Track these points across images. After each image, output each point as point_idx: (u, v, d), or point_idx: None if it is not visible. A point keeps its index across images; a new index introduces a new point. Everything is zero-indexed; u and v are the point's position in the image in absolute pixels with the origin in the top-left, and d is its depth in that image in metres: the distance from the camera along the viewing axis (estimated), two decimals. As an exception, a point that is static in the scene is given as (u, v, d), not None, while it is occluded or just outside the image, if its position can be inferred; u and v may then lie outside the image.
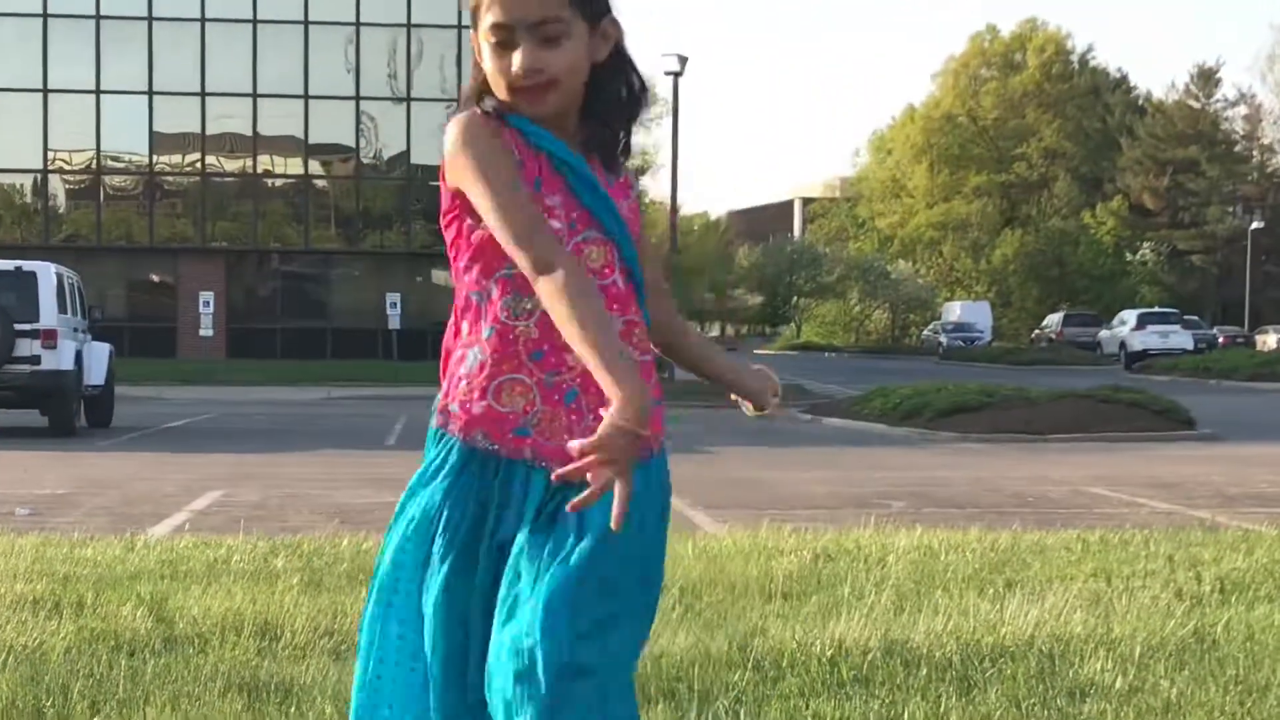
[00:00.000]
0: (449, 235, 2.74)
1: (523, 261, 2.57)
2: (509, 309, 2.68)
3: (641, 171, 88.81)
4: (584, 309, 2.52)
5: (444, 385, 2.79)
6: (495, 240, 2.62)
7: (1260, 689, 4.92)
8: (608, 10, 2.73)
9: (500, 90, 2.68)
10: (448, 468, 2.72)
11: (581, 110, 2.76)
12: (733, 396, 3.13)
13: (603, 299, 2.66)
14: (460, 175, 2.64)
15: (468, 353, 2.72)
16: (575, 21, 2.64)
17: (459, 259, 2.74)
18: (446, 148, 2.67)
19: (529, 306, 2.65)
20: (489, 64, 2.69)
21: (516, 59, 2.64)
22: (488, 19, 2.66)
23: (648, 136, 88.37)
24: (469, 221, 2.70)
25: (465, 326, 2.75)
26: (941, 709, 4.66)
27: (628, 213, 2.80)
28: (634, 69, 2.81)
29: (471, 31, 2.77)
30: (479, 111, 2.72)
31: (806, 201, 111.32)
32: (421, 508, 2.71)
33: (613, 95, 2.78)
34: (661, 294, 3.01)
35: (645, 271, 2.84)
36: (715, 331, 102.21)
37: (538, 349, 2.67)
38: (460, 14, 48.92)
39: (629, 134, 2.85)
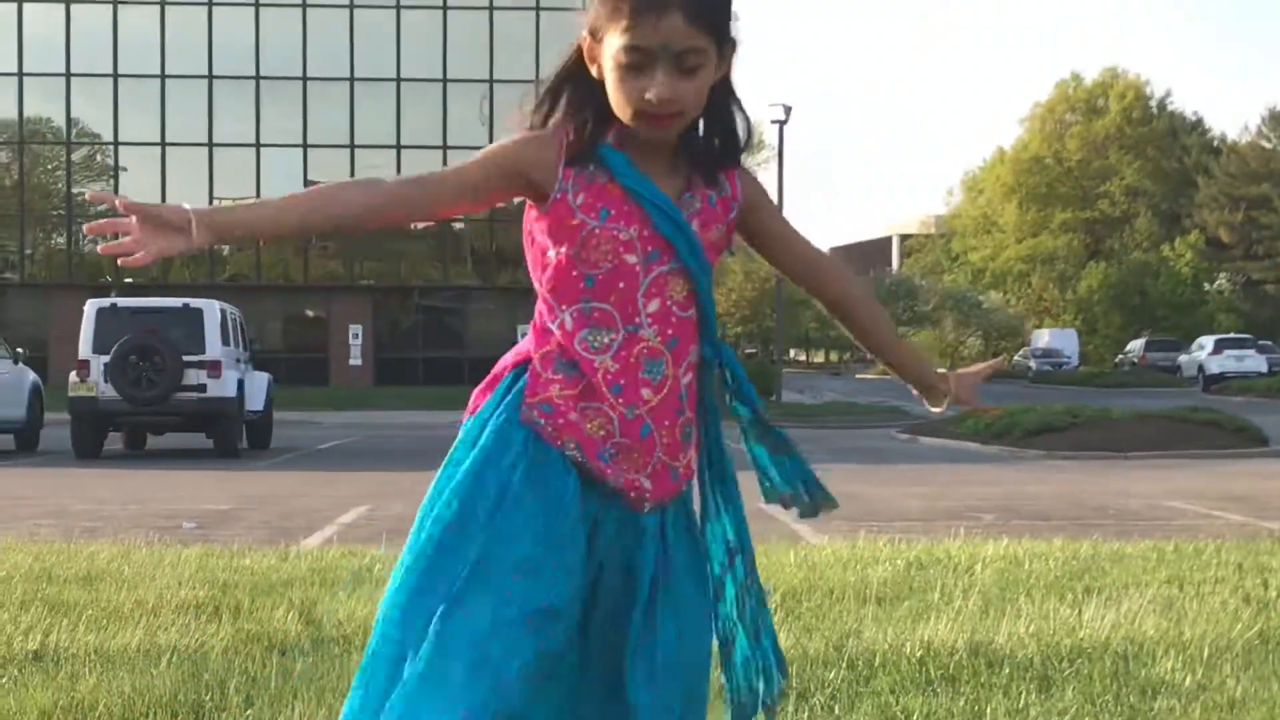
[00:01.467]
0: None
1: None
2: (586, 342, 2.58)
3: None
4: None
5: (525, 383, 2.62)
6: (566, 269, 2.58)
7: None
8: (732, 41, 2.57)
9: (625, 112, 2.52)
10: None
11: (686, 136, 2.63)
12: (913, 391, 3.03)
13: (323, 193, 2.60)
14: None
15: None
16: (710, 51, 2.50)
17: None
18: None
19: (606, 340, 2.57)
20: (616, 86, 2.51)
21: (655, 85, 2.46)
22: (622, 40, 2.47)
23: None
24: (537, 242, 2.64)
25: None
26: (1021, 704, 4.66)
27: (712, 245, 2.65)
28: (736, 96, 2.68)
29: (584, 44, 2.60)
30: (564, 131, 2.61)
31: (903, 238, 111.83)
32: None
33: (724, 121, 2.67)
34: (797, 239, 2.86)
35: (776, 226, 2.80)
36: (820, 358, 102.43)
37: (616, 382, 2.57)
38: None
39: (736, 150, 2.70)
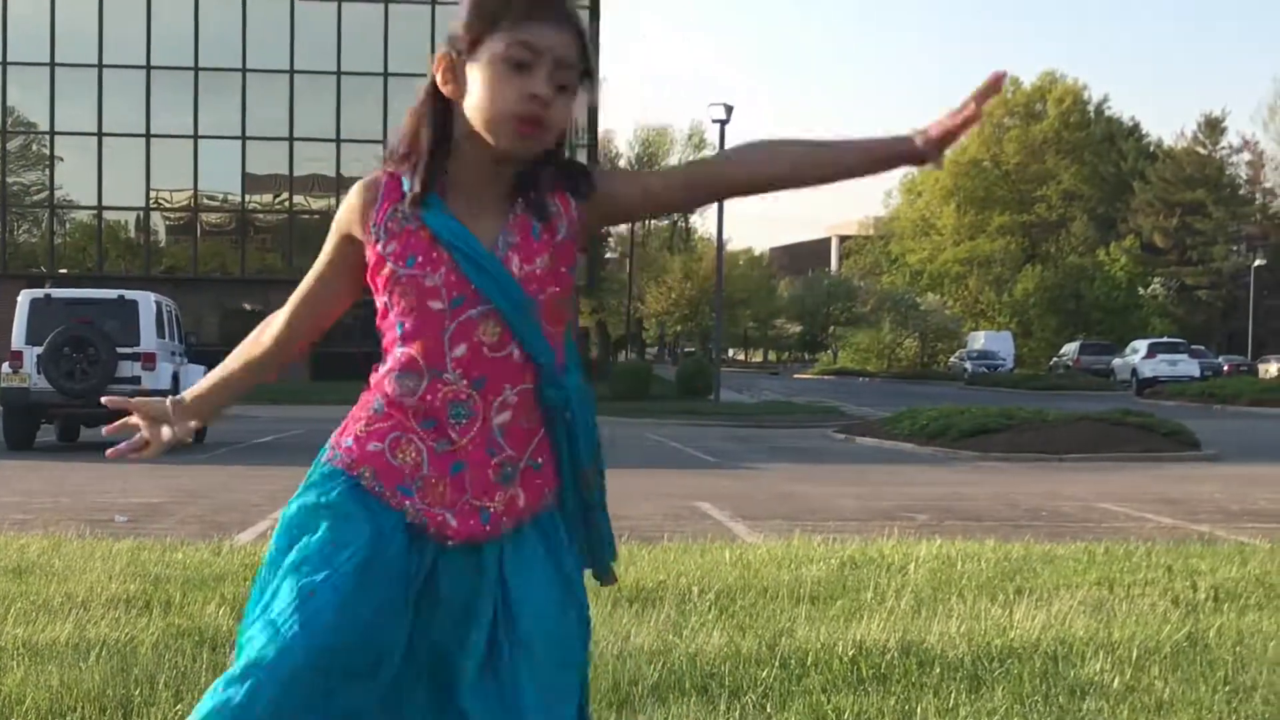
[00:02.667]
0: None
1: None
2: (396, 385, 2.59)
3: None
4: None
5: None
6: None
7: (1247, 689, 4.98)
8: (588, 83, 2.55)
9: (500, 117, 2.48)
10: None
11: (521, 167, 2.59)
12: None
13: (257, 346, 2.81)
14: None
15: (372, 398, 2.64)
16: (578, 81, 2.51)
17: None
18: None
19: (412, 385, 2.56)
20: (495, 87, 2.47)
21: (538, 84, 2.46)
22: (511, 36, 2.46)
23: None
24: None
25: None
26: (952, 704, 4.70)
27: (537, 280, 2.58)
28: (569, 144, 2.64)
29: (444, 64, 2.54)
30: (381, 175, 2.61)
31: (842, 239, 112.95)
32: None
33: (560, 159, 2.61)
34: (658, 177, 2.81)
35: (632, 189, 2.74)
36: (759, 357, 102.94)
37: (428, 419, 2.55)
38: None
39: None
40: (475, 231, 2.55)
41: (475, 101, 2.51)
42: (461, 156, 2.58)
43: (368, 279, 2.63)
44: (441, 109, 2.58)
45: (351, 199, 2.62)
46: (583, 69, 2.52)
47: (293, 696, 2.41)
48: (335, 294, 2.77)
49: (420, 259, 2.53)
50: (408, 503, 2.53)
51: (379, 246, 2.57)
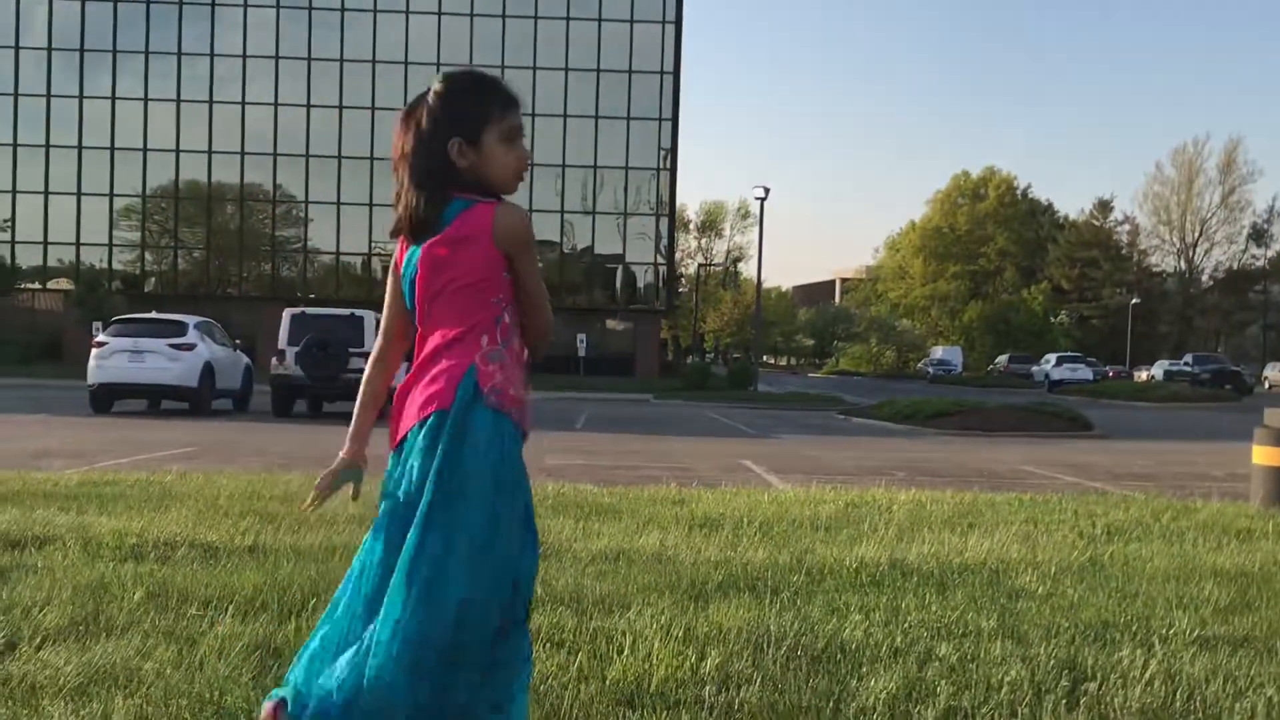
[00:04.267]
0: (482, 274, 2.46)
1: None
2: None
3: (739, 260, 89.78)
4: None
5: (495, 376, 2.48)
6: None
7: (1131, 595, 4.98)
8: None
9: (508, 173, 2.49)
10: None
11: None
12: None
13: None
14: (525, 251, 2.48)
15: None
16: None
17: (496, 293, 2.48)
18: (521, 229, 2.46)
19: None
20: (503, 156, 2.47)
21: (524, 152, 2.51)
22: (506, 124, 2.47)
23: (743, 237, 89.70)
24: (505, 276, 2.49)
25: (484, 340, 2.49)
26: (925, 601, 4.73)
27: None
28: None
29: (454, 149, 2.45)
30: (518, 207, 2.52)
31: (844, 280, 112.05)
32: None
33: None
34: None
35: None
36: (784, 362, 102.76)
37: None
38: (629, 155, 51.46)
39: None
40: None
41: (497, 175, 2.50)
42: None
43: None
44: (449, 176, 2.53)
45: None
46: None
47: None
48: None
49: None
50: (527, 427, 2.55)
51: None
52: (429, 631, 2.33)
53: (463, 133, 2.46)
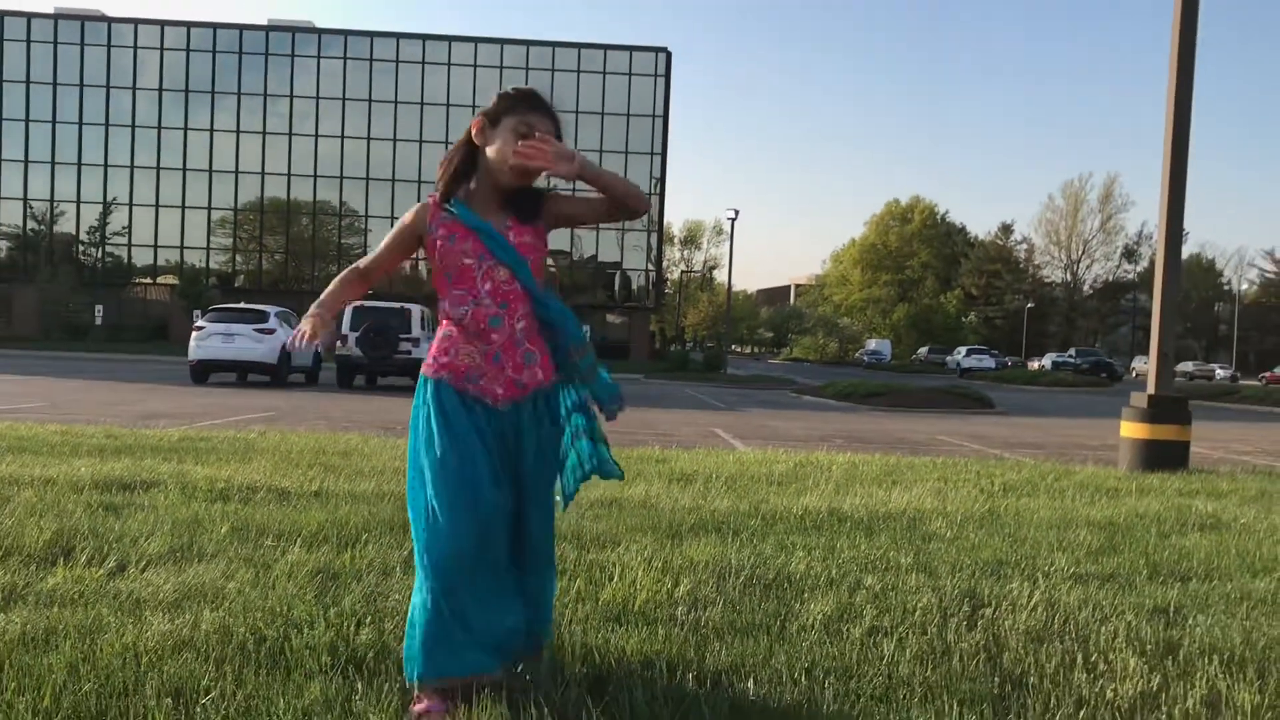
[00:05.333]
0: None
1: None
2: (450, 313, 2.51)
3: (714, 268, 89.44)
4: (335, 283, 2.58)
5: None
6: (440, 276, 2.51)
7: (1020, 539, 4.96)
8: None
9: (499, 159, 2.45)
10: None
11: (509, 192, 2.51)
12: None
13: (347, 285, 2.60)
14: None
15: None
16: None
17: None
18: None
19: (462, 311, 2.48)
20: (509, 144, 2.44)
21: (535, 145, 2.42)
22: (518, 117, 2.45)
23: (717, 250, 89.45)
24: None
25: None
26: (856, 542, 4.70)
27: (526, 248, 2.49)
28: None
29: (480, 130, 2.48)
30: (433, 199, 2.54)
31: (797, 285, 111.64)
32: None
33: (532, 190, 2.55)
34: (585, 203, 2.55)
35: (574, 208, 2.55)
36: (749, 350, 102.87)
37: (473, 331, 2.49)
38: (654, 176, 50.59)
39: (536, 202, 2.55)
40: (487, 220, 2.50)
41: (492, 153, 2.47)
42: (480, 181, 2.52)
43: (427, 253, 2.54)
44: (470, 151, 2.53)
45: (419, 210, 2.56)
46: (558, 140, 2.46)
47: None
48: (394, 258, 2.63)
49: (458, 236, 2.48)
50: (470, 386, 2.46)
51: (434, 233, 2.51)
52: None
53: (487, 114, 2.50)
